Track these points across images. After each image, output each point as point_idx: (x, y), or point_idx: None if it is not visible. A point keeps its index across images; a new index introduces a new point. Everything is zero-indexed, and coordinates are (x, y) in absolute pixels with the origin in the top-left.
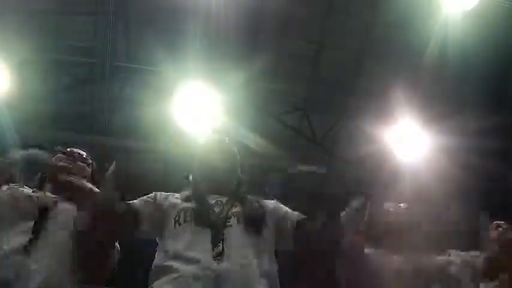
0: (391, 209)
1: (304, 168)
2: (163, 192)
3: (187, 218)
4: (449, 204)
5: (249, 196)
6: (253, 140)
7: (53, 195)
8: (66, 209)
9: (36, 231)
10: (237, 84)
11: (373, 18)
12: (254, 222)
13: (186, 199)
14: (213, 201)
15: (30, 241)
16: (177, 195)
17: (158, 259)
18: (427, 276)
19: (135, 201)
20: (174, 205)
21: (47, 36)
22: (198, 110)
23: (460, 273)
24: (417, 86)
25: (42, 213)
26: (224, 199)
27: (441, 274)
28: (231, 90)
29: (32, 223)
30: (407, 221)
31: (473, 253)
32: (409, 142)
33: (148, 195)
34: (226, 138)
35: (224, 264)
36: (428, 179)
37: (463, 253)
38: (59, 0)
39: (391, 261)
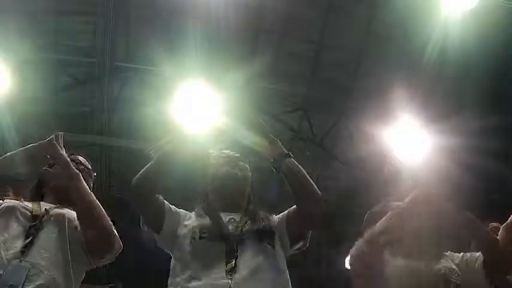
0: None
1: None
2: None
3: (204, 235)
4: (449, 204)
5: (259, 211)
6: (253, 140)
7: (51, 204)
8: (59, 213)
9: (31, 236)
10: (237, 84)
11: (373, 18)
12: (266, 237)
13: (199, 215)
14: (227, 219)
15: (26, 246)
16: (188, 213)
17: (174, 278)
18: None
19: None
20: (187, 222)
21: (47, 36)
22: (198, 110)
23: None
24: (417, 86)
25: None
26: (237, 216)
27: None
28: (231, 90)
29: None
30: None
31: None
32: (409, 142)
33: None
34: (238, 154)
35: (237, 276)
36: (428, 179)
37: (460, 255)
38: (58, 0)
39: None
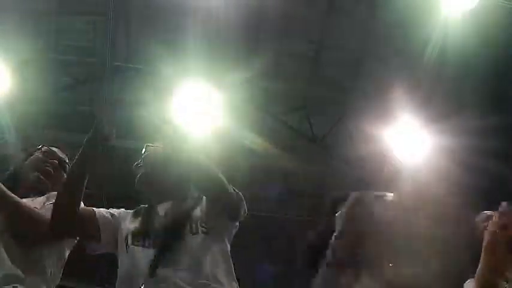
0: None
1: None
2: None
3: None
4: (449, 204)
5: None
6: (253, 140)
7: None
8: None
9: None
10: (237, 84)
11: (373, 18)
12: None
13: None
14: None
15: None
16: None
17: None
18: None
19: (98, 211)
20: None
21: (47, 36)
22: (198, 110)
23: None
24: (417, 86)
25: None
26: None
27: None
28: (231, 90)
29: None
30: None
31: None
32: (409, 142)
33: (109, 211)
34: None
35: None
36: (428, 179)
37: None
38: (59, 0)
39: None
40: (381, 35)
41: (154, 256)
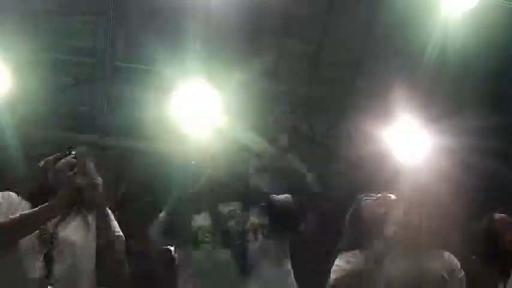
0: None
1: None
2: None
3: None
4: (449, 204)
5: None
6: (253, 140)
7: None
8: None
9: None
10: (237, 84)
11: (372, 18)
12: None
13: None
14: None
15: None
16: None
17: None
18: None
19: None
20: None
21: (47, 36)
22: (198, 110)
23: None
24: (417, 86)
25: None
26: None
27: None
28: (231, 90)
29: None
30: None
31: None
32: (409, 142)
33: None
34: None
35: None
36: (428, 179)
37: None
38: (59, 0)
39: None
40: (381, 35)
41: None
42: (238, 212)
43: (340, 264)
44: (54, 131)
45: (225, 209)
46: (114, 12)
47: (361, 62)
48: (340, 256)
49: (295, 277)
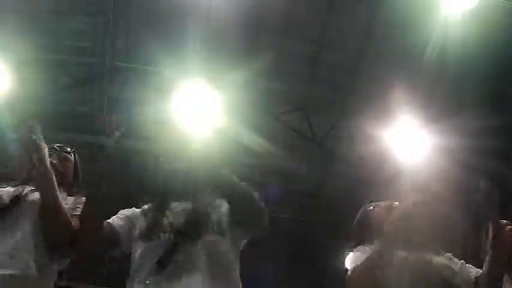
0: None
1: None
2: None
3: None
4: (449, 204)
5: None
6: (253, 140)
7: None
8: (33, 201)
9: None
10: (237, 84)
11: (372, 18)
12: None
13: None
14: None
15: None
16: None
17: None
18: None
19: (113, 221)
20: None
21: (47, 36)
22: (198, 110)
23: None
24: (417, 86)
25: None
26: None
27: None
28: (231, 90)
29: None
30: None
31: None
32: (409, 142)
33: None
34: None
35: None
36: (428, 179)
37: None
38: (59, 0)
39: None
40: (381, 35)
41: (165, 252)
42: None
43: (355, 257)
44: (54, 131)
45: (176, 207)
46: (114, 12)
47: (361, 62)
48: (353, 251)
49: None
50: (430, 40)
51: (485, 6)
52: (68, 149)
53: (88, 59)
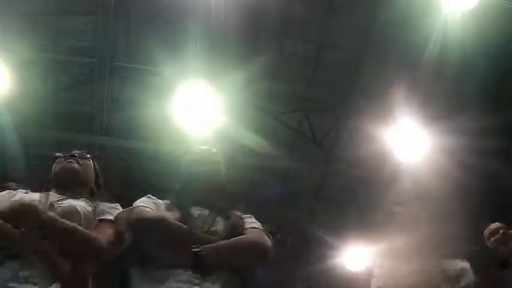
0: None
1: None
2: (152, 198)
3: None
4: (449, 204)
5: (232, 211)
6: (253, 140)
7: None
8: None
9: None
10: (237, 84)
11: (373, 18)
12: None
13: (169, 208)
14: (197, 214)
15: None
16: (160, 202)
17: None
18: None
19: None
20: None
21: (47, 36)
22: (198, 110)
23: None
24: (417, 86)
25: None
26: (206, 212)
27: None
28: (231, 90)
29: None
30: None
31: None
32: (409, 142)
33: (146, 202)
34: (214, 149)
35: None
36: (428, 179)
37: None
38: (59, 0)
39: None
40: (381, 35)
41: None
42: (205, 215)
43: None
44: (54, 131)
45: (196, 211)
46: (114, 12)
47: (361, 61)
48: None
49: None
50: (430, 40)
51: (485, 6)
52: (88, 155)
53: (88, 59)
